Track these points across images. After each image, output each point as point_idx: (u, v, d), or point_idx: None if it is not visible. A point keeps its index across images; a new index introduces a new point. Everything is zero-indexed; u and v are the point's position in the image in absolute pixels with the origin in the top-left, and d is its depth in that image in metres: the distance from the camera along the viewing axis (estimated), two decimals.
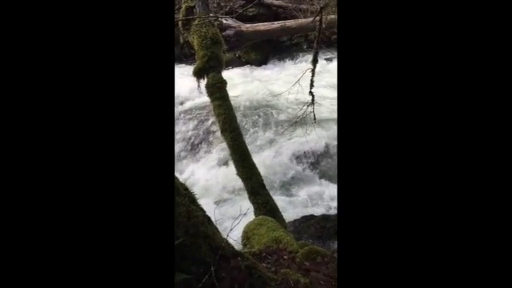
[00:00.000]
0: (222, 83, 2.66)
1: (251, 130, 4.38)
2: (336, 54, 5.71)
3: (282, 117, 4.51)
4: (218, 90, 2.62)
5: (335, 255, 1.77)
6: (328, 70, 5.85)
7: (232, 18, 4.23)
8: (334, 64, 5.92)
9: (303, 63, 6.01)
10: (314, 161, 3.87)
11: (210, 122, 4.48)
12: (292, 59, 6.51)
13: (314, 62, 2.40)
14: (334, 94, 5.15)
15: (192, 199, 1.26)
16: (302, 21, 5.12)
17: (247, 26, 5.12)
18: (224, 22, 4.79)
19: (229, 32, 4.83)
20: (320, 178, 3.75)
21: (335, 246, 2.83)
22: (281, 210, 2.62)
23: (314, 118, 2.58)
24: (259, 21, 5.83)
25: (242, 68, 6.34)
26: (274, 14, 6.68)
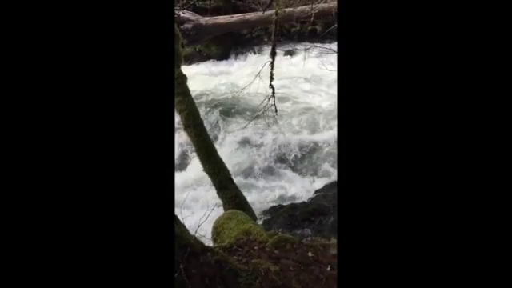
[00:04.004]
0: (182, 78, 2.60)
1: (215, 125, 4.34)
2: (295, 46, 5.80)
3: (245, 110, 4.52)
4: (177, 86, 2.55)
5: (304, 241, 1.84)
6: (290, 63, 5.95)
7: (179, 10, 4.11)
8: (294, 58, 6.02)
9: (265, 56, 6.05)
10: (278, 152, 3.95)
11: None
12: (253, 52, 6.51)
13: (273, 54, 2.42)
14: (297, 86, 5.26)
15: None
16: (260, 13, 5.13)
17: (206, 20, 5.03)
18: (182, 15, 4.65)
19: (187, 25, 4.72)
20: (285, 168, 3.83)
21: (304, 232, 2.93)
22: (250, 202, 2.64)
23: (276, 111, 2.62)
24: (218, 14, 5.74)
25: (203, 62, 6.23)
26: (233, 6, 6.62)
